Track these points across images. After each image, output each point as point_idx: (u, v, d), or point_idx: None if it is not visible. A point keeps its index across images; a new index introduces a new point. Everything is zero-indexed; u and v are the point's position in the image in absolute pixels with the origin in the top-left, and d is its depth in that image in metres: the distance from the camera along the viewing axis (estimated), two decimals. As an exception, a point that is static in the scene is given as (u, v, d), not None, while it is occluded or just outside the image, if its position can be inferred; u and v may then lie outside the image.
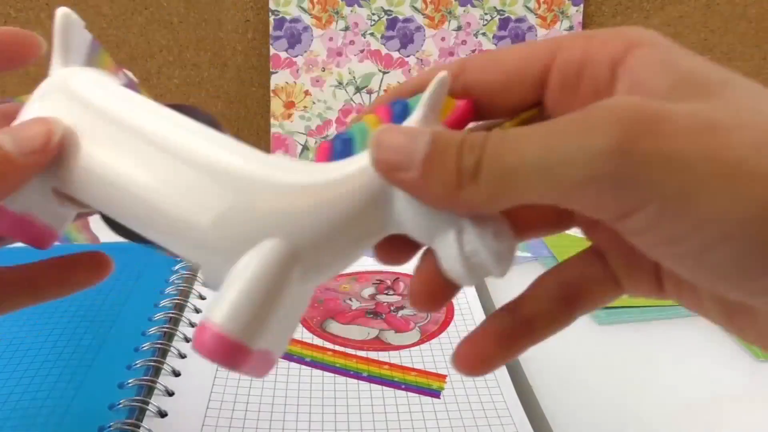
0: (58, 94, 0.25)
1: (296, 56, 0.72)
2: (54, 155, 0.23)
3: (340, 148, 0.22)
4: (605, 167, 0.16)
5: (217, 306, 0.20)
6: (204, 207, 0.21)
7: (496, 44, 0.74)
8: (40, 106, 0.25)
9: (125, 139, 0.23)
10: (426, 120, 0.21)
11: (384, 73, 0.73)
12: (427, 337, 0.44)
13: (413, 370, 0.40)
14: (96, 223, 0.49)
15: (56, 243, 0.28)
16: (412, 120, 0.21)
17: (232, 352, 0.20)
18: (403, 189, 0.20)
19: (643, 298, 0.23)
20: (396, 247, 0.22)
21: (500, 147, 0.18)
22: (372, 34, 0.73)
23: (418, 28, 0.73)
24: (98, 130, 0.24)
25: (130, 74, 0.28)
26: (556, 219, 0.24)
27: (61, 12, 0.25)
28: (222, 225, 0.21)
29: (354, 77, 0.73)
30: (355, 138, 0.22)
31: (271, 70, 0.72)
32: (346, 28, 0.72)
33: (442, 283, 0.22)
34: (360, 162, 0.21)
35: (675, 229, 0.17)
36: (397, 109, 0.22)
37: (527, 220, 0.23)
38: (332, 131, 0.73)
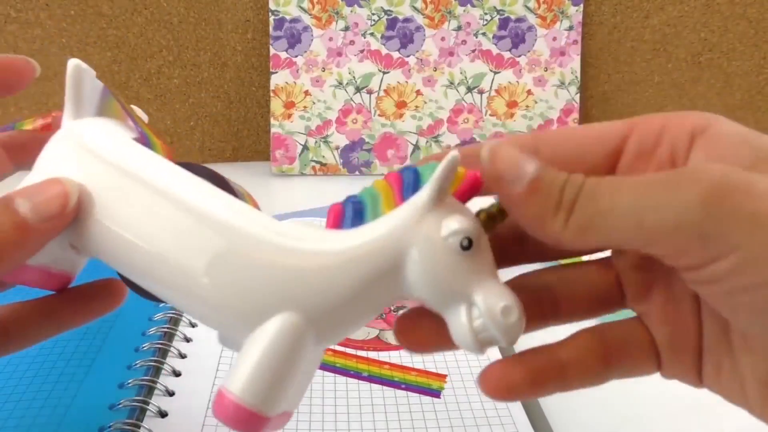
0: (70, 150, 0.25)
1: (296, 56, 0.72)
2: (72, 218, 0.23)
3: (352, 213, 0.22)
4: (693, 217, 0.18)
5: (235, 376, 0.21)
6: (224, 272, 0.22)
7: (496, 44, 0.74)
8: (54, 163, 0.25)
9: (138, 197, 0.23)
10: (435, 197, 0.21)
11: (384, 73, 0.73)
12: (427, 337, 0.44)
13: (413, 370, 0.40)
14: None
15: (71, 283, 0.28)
16: (422, 196, 0.21)
17: (252, 421, 0.21)
18: (505, 200, 0.21)
19: (679, 381, 0.23)
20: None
21: (595, 190, 0.20)
22: (372, 34, 0.73)
23: (418, 28, 0.73)
24: (112, 188, 0.24)
25: (139, 111, 0.27)
26: (605, 299, 0.24)
27: (73, 64, 0.25)
28: (236, 288, 0.22)
29: (354, 77, 0.73)
30: (367, 204, 0.22)
31: (271, 70, 0.72)
32: (346, 28, 0.72)
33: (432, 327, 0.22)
34: (374, 232, 0.21)
35: (752, 279, 0.18)
36: (407, 177, 0.22)
37: (573, 301, 0.24)
38: (332, 131, 0.73)
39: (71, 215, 0.23)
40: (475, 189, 0.22)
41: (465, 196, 0.22)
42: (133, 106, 0.27)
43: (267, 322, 0.21)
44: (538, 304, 0.23)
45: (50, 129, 0.26)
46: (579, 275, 0.24)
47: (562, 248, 0.21)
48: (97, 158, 0.24)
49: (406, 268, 0.21)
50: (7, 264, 0.23)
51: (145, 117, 0.27)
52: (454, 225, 0.21)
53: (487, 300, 0.21)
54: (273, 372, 0.21)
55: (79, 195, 0.23)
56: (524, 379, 0.22)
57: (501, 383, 0.22)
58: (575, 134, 0.24)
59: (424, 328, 0.23)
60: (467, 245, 0.21)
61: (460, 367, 0.40)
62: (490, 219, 0.22)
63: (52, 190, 0.23)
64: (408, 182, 0.22)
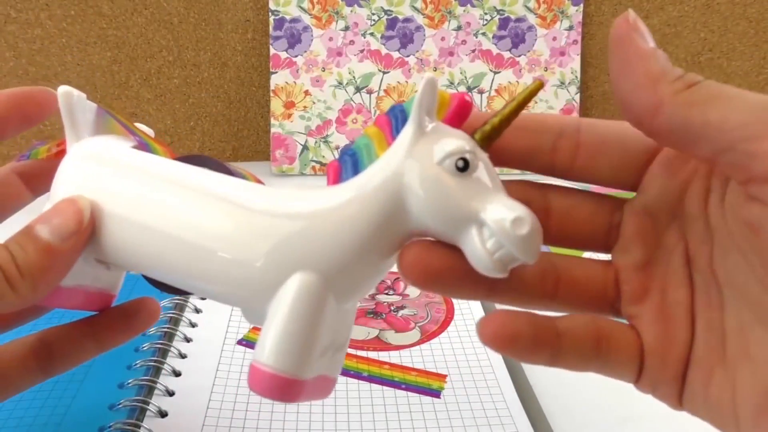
0: (77, 169, 0.26)
1: (296, 56, 0.72)
2: (90, 232, 0.24)
3: (350, 165, 0.22)
4: None
5: (263, 347, 0.21)
6: (237, 243, 0.22)
7: (496, 44, 0.74)
8: (65, 185, 0.25)
9: (152, 198, 0.24)
10: (420, 123, 0.21)
11: (384, 73, 0.73)
12: (427, 336, 0.44)
13: (413, 370, 0.40)
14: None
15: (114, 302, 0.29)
16: (409, 127, 0.21)
17: (287, 388, 0.21)
18: (624, 53, 0.21)
19: (654, 396, 0.23)
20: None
21: (721, 84, 0.20)
22: (372, 34, 0.73)
23: (418, 28, 0.73)
24: (121, 195, 0.24)
25: (144, 127, 0.28)
26: (600, 295, 0.24)
27: (61, 91, 0.26)
28: (254, 257, 0.22)
29: (354, 77, 0.73)
30: (361, 152, 0.22)
31: (271, 70, 0.72)
32: (346, 28, 0.72)
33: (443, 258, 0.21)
34: (368, 177, 0.21)
35: None
36: (394, 115, 0.22)
37: (571, 288, 0.24)
38: (332, 131, 0.73)
39: (88, 229, 0.24)
40: (464, 111, 0.22)
41: (455, 119, 0.22)
42: (138, 124, 0.28)
43: (284, 287, 0.21)
44: (542, 278, 0.23)
45: (63, 155, 0.27)
46: (581, 266, 0.24)
47: (649, 119, 0.21)
48: (105, 171, 0.25)
49: (408, 203, 0.21)
50: (41, 288, 0.24)
51: (150, 132, 0.28)
52: (445, 148, 0.20)
53: (495, 216, 0.20)
54: (298, 334, 0.21)
55: (93, 209, 0.24)
56: (527, 332, 0.22)
57: (504, 330, 0.22)
58: (619, 124, 0.24)
59: (433, 258, 0.22)
60: (463, 166, 0.20)
61: (460, 367, 0.40)
62: (485, 137, 0.22)
63: (67, 210, 0.24)
64: (396, 120, 0.22)
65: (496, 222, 0.20)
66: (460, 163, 0.20)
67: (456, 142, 0.21)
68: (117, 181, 0.25)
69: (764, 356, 0.20)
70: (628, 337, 0.23)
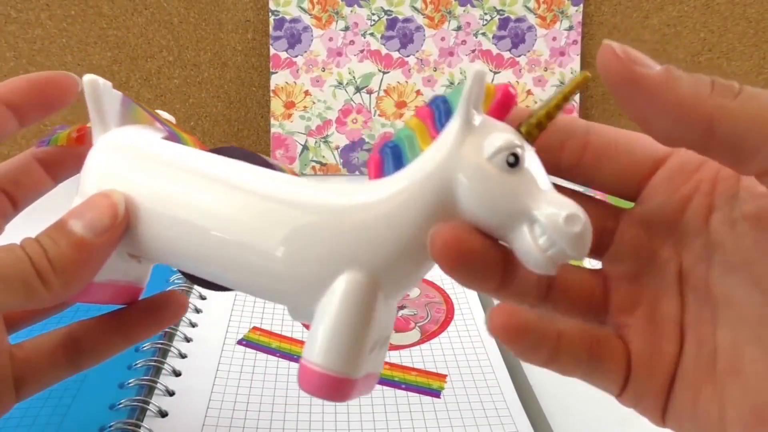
0: (107, 161, 0.25)
1: (296, 56, 0.72)
2: (124, 227, 0.24)
3: (392, 159, 0.22)
4: None
5: (314, 346, 0.21)
6: (280, 239, 0.22)
7: (495, 44, 0.74)
8: (96, 178, 0.25)
9: (185, 191, 0.23)
10: (468, 118, 0.20)
11: (384, 73, 0.73)
12: (427, 336, 0.44)
13: (413, 369, 0.40)
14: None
15: (142, 294, 0.29)
16: (456, 121, 0.21)
17: (339, 387, 0.21)
18: (635, 83, 0.20)
19: (634, 409, 0.23)
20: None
21: (765, 92, 0.19)
22: (372, 34, 0.73)
23: (418, 28, 0.73)
24: (156, 189, 0.24)
25: (165, 114, 0.28)
26: (588, 303, 0.24)
27: (87, 80, 0.25)
28: (301, 257, 0.21)
29: (354, 77, 0.73)
30: (404, 145, 0.22)
31: (271, 70, 0.72)
32: (346, 28, 0.72)
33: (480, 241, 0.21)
34: (415, 171, 0.21)
35: None
36: (437, 106, 0.21)
37: (562, 292, 0.24)
38: (332, 131, 0.73)
39: (123, 224, 0.24)
40: (509, 103, 0.21)
41: (500, 112, 0.21)
42: (160, 111, 0.28)
43: (333, 285, 0.21)
44: (539, 278, 0.23)
45: (83, 141, 0.26)
46: (571, 271, 0.24)
47: (703, 142, 0.19)
48: (135, 163, 0.25)
49: (457, 199, 0.20)
50: (75, 284, 0.24)
51: (172, 119, 0.28)
52: (496, 143, 0.20)
53: (548, 213, 0.19)
54: (349, 333, 0.21)
55: (127, 204, 0.24)
56: (534, 326, 0.22)
57: (512, 321, 0.22)
58: (628, 132, 0.24)
59: (466, 243, 0.21)
60: (514, 161, 0.20)
61: (460, 367, 0.40)
62: (531, 131, 0.21)
63: (101, 205, 0.23)
64: (439, 112, 0.21)
65: (550, 219, 0.19)
66: (511, 159, 0.20)
67: (506, 136, 0.20)
68: (151, 173, 0.24)
69: (756, 373, 0.20)
70: (617, 346, 0.23)
